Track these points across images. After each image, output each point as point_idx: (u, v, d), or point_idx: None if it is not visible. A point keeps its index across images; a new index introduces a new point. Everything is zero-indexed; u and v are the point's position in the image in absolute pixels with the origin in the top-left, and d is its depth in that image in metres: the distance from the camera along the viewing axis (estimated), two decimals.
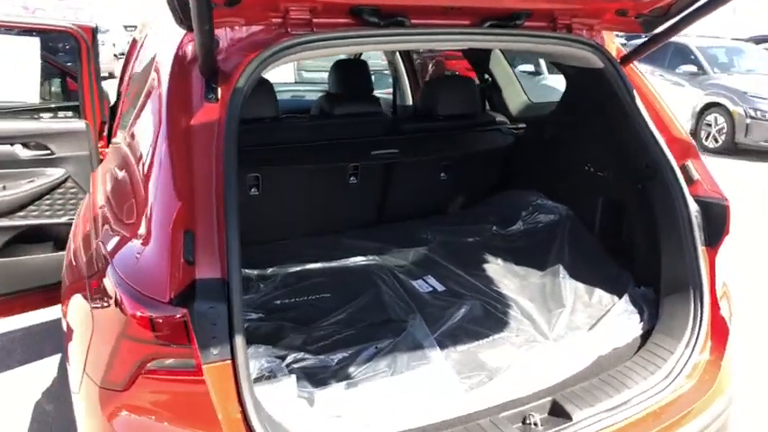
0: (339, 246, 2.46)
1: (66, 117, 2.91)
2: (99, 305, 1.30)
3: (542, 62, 9.63)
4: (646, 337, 1.85)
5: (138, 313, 1.15)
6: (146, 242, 1.23)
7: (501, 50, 2.91)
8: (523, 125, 2.75)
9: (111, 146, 2.10)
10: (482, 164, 2.77)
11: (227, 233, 1.22)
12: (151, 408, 1.20)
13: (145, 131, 1.47)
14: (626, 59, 1.94)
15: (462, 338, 1.85)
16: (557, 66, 2.26)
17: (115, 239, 1.37)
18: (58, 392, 2.98)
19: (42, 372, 3.20)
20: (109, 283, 1.25)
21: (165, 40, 1.59)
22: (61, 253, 3.01)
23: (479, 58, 2.96)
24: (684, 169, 1.83)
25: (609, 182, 2.25)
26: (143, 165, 1.39)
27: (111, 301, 1.23)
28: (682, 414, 1.59)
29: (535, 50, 1.91)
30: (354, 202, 2.66)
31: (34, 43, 2.69)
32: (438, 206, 2.88)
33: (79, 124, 2.88)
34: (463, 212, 2.84)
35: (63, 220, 2.95)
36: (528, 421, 1.48)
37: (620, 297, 2.01)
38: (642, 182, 1.96)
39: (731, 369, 1.75)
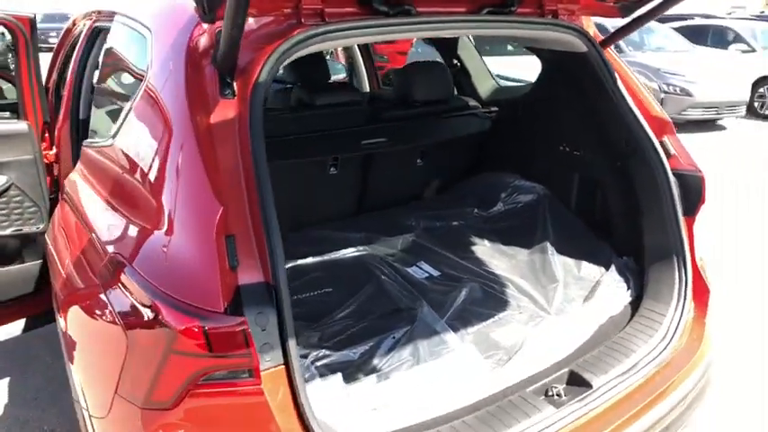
0: (325, 239, 2.43)
1: (2, 119, 2.64)
2: (131, 320, 1.20)
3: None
4: (635, 303, 1.99)
5: (190, 326, 1.08)
6: (187, 250, 1.15)
7: (469, 37, 2.96)
8: (495, 108, 2.82)
9: (85, 148, 1.92)
10: (458, 148, 2.82)
11: (269, 234, 1.18)
12: (203, 422, 1.14)
13: (152, 132, 1.37)
14: (605, 43, 2.04)
15: (471, 320, 1.90)
16: (533, 50, 2.33)
17: (140, 249, 1.27)
18: (14, 419, 2.76)
19: None
20: (142, 295, 1.16)
21: (165, 33, 1.47)
22: (7, 268, 2.76)
23: (447, 44, 2.99)
24: (662, 145, 1.97)
25: (585, 160, 2.36)
26: (162, 167, 1.29)
27: (149, 316, 1.14)
28: (682, 370, 1.73)
29: (526, 36, 1.96)
30: (335, 193, 2.63)
31: None
32: (415, 192, 2.91)
33: (20, 126, 2.62)
34: (441, 197, 2.88)
35: (8, 232, 2.69)
36: (550, 393, 1.56)
37: (606, 268, 2.14)
38: (621, 159, 2.09)
39: (713, 327, 1.93)
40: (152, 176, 1.32)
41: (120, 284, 1.25)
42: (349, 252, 2.35)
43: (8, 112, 2.66)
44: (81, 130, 2.81)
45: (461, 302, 2.00)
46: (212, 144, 1.24)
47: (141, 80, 1.50)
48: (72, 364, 1.54)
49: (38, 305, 2.90)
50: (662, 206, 1.92)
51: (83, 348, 1.47)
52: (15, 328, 3.09)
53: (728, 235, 4.29)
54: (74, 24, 3.16)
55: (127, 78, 1.71)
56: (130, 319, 1.20)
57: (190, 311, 1.09)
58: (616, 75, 2.01)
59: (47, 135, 2.83)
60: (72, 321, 1.54)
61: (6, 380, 3.10)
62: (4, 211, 2.66)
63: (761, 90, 9.63)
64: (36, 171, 2.69)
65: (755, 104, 9.61)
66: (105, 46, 2.00)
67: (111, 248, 1.38)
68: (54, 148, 2.87)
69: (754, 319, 3.23)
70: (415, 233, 2.49)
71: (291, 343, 1.16)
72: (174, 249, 1.18)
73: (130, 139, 1.48)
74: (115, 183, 1.50)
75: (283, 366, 1.16)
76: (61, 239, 1.84)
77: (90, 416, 1.38)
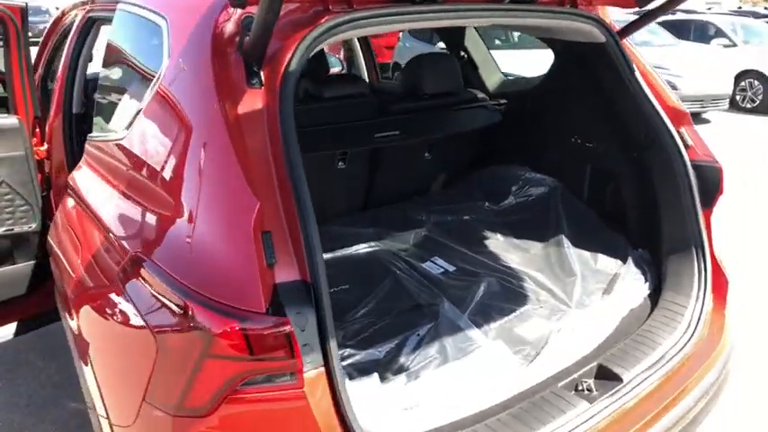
0: (335, 235, 2.37)
1: None
2: (161, 323, 1.13)
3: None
4: (654, 295, 1.98)
5: (229, 328, 1.01)
6: (222, 248, 1.09)
7: (476, 27, 2.92)
8: (503, 101, 2.79)
9: (92, 143, 1.82)
10: (465, 141, 2.78)
11: (306, 230, 1.12)
12: (240, 429, 1.08)
13: (175, 124, 1.29)
14: (622, 33, 2.02)
15: (492, 316, 1.86)
16: (546, 41, 2.30)
17: (165, 246, 1.19)
18: (8, 426, 2.65)
19: None
20: (172, 295, 1.09)
21: (185, 20, 1.39)
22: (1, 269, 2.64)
23: (454, 36, 2.94)
24: (680, 136, 1.96)
25: (598, 152, 2.34)
26: (189, 161, 1.21)
27: (182, 317, 1.07)
28: (706, 362, 1.72)
29: (546, 26, 1.92)
30: (343, 188, 2.57)
31: None
32: (422, 186, 2.86)
33: (10, 120, 2.50)
34: (449, 191, 2.84)
35: None
36: (580, 387, 1.53)
37: (622, 261, 2.12)
38: (638, 150, 2.07)
39: (732, 318, 1.92)
40: (177, 171, 1.24)
41: (145, 284, 1.18)
42: (361, 248, 2.29)
43: None
44: (74, 124, 2.71)
45: (480, 297, 1.97)
46: (242, 136, 1.18)
47: (157, 70, 1.42)
48: (86, 367, 1.46)
49: (30, 308, 2.79)
50: (680, 197, 1.91)
51: (102, 352, 1.39)
52: (6, 331, 2.96)
53: (727, 228, 4.34)
54: (63, 15, 3.03)
55: (138, 69, 1.62)
56: (160, 322, 1.13)
57: (227, 312, 1.03)
58: (634, 65, 1.99)
59: (37, 131, 2.72)
60: (88, 323, 1.45)
61: None
62: None
63: (742, 84, 9.82)
64: (27, 168, 2.57)
65: (737, 98, 9.79)
66: (108, 37, 1.90)
67: (131, 246, 1.30)
68: (45, 143, 2.76)
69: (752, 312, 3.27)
70: (427, 228, 2.45)
71: (332, 344, 1.11)
72: (206, 247, 1.11)
73: (149, 131, 1.40)
74: (133, 178, 1.41)
75: (323, 368, 1.11)
76: (68, 238, 1.75)
77: (111, 424, 1.30)
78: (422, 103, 2.47)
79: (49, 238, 2.00)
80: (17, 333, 2.99)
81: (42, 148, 2.74)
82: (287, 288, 1.09)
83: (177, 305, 1.07)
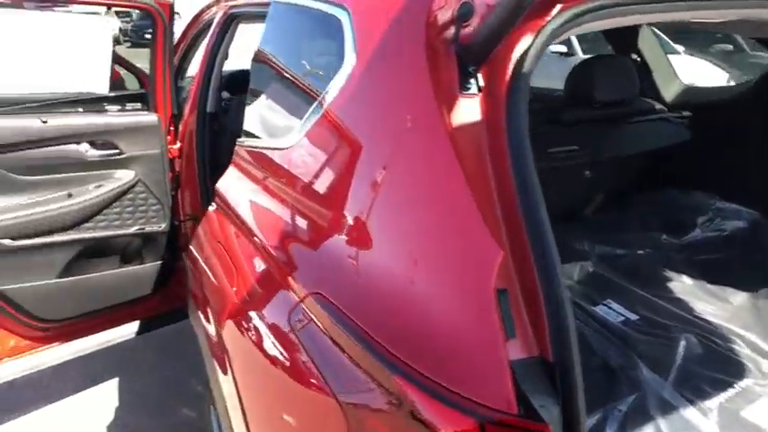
0: None
1: (134, 110, 2.47)
2: (354, 395, 0.87)
3: (575, 43, 9.20)
4: None
5: (466, 430, 0.74)
6: (451, 312, 0.81)
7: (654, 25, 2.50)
8: (686, 113, 2.34)
9: (246, 150, 1.64)
10: (637, 159, 2.36)
11: (552, 287, 0.82)
12: None
13: (373, 138, 1.04)
14: None
15: (705, 390, 1.46)
16: (762, 42, 1.85)
17: (362, 294, 0.92)
18: (122, 426, 2.60)
19: (100, 398, 2.85)
20: (373, 366, 0.83)
21: (380, 10, 1.15)
22: (129, 268, 2.62)
23: (625, 37, 2.53)
24: None
25: None
26: (394, 188, 0.95)
27: (391, 403, 0.81)
28: None
29: None
30: None
31: (107, 25, 2.24)
32: (575, 208, 2.47)
33: (150, 118, 2.45)
34: (611, 217, 2.43)
35: (131, 230, 2.55)
36: None
37: None
38: None
39: None
40: (377, 199, 0.97)
41: (331, 341, 0.93)
42: None
43: (140, 103, 2.50)
44: (208, 124, 2.63)
45: (681, 361, 1.57)
46: (462, 158, 0.90)
47: (337, 70, 1.18)
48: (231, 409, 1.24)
49: (154, 308, 2.77)
50: None
51: (257, 399, 1.14)
52: (129, 330, 2.97)
53: None
54: (201, 13, 3.00)
55: (310, 68, 1.40)
56: (355, 398, 0.87)
57: (465, 408, 0.74)
58: None
59: (171, 129, 2.66)
60: (242, 368, 1.23)
61: (115, 381, 3.01)
62: (129, 209, 2.51)
63: None
64: (162, 166, 2.52)
65: None
66: (263, 34, 1.72)
67: (307, 283, 1.05)
68: (178, 142, 2.70)
69: None
70: (592, 261, 2.06)
71: None
72: (425, 307, 0.83)
73: (333, 142, 1.16)
74: (313, 197, 1.15)
75: None
76: (216, 252, 1.55)
77: None
78: (597, 112, 2.09)
79: (191, 247, 1.86)
80: (139, 332, 2.99)
81: (175, 147, 2.68)
82: (524, 369, 0.79)
83: (385, 385, 0.80)
